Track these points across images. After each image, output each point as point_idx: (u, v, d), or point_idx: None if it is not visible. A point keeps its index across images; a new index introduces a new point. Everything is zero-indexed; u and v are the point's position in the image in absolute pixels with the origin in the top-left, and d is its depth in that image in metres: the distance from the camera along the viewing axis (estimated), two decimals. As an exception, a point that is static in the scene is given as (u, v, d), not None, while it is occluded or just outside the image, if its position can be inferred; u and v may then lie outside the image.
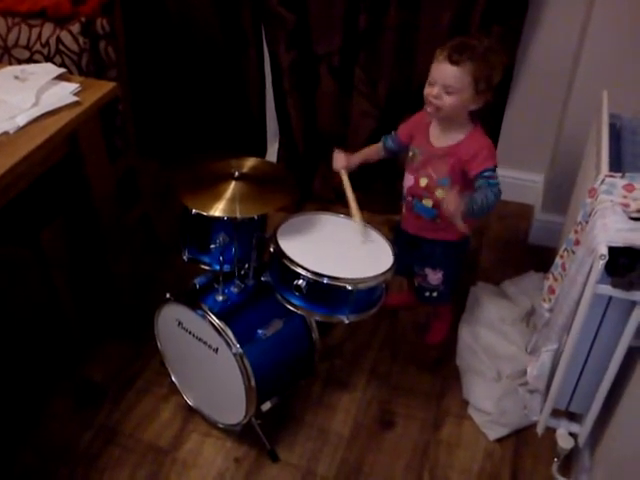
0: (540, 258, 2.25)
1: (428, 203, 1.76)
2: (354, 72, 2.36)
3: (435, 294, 1.91)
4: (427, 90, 1.63)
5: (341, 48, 2.32)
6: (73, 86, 1.71)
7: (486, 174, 1.63)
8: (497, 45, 1.65)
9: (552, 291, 1.52)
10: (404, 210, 1.87)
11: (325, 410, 1.89)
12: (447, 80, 1.58)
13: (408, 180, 1.80)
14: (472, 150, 1.65)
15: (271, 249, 1.62)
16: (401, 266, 1.97)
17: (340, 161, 1.82)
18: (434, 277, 1.87)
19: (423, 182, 1.74)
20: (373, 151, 1.90)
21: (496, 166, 1.65)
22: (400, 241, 1.93)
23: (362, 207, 1.74)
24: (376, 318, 1.98)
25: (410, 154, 1.78)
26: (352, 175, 1.81)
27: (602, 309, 1.38)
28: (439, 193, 1.71)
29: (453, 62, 1.56)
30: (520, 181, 2.49)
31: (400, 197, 1.88)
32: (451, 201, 1.59)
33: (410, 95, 2.32)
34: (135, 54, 2.20)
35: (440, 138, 1.71)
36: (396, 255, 1.66)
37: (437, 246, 1.84)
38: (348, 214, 1.77)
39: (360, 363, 2.02)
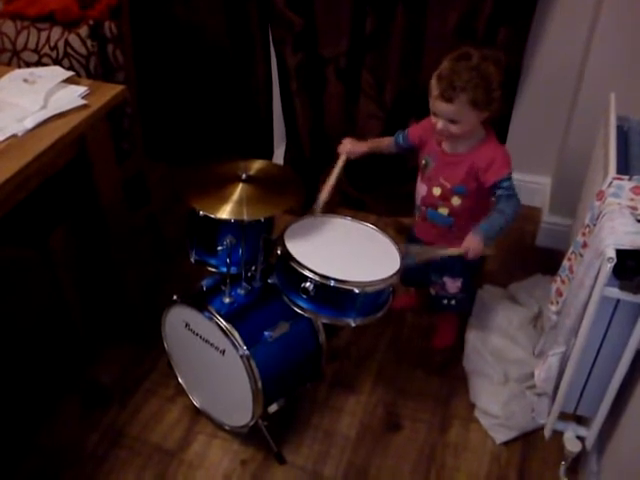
0: (547, 261, 2.24)
1: (444, 211, 1.75)
2: (361, 75, 2.36)
3: (454, 302, 1.91)
4: (433, 120, 1.65)
5: (348, 51, 2.32)
6: (81, 89, 1.71)
7: (504, 184, 1.63)
8: (491, 51, 1.63)
9: (559, 294, 1.52)
10: (418, 219, 1.86)
11: (331, 412, 1.89)
12: (447, 115, 1.60)
13: (421, 189, 1.79)
14: (487, 158, 1.65)
15: (278, 251, 1.62)
16: (411, 277, 1.97)
17: (345, 145, 1.83)
18: (453, 285, 1.87)
19: (436, 192, 1.74)
20: (384, 143, 1.89)
21: (511, 173, 1.65)
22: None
23: (369, 210, 1.74)
24: (382, 321, 1.96)
25: (422, 162, 1.77)
26: (359, 171, 1.79)
27: (610, 312, 1.37)
28: (455, 200, 1.71)
29: (447, 100, 1.57)
30: (527, 184, 2.48)
31: (410, 202, 1.87)
32: (471, 247, 1.60)
33: (416, 98, 2.32)
34: (143, 57, 2.21)
35: (453, 144, 1.70)
36: (403, 258, 1.66)
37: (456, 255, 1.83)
38: (354, 217, 1.78)
39: (366, 366, 2.02)
